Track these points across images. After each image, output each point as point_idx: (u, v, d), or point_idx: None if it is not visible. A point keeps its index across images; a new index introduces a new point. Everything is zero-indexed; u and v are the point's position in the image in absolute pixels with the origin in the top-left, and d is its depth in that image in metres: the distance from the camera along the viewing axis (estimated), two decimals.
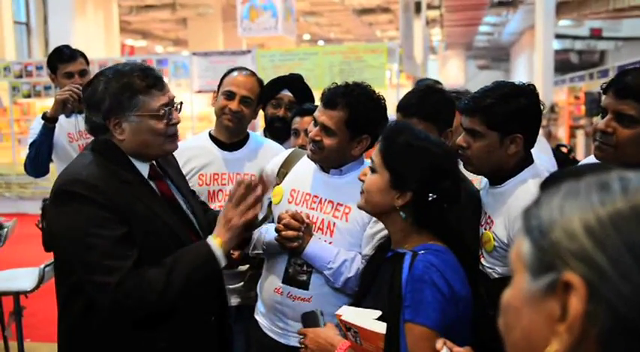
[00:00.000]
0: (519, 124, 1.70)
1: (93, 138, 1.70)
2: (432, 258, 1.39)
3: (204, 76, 8.32)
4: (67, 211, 1.52)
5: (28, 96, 8.83)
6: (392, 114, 2.05)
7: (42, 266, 3.21)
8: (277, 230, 1.87)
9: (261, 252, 2.02)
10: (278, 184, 2.05)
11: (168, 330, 1.62)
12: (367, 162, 1.69)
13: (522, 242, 0.59)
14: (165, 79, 1.72)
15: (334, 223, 1.91)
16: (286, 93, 2.76)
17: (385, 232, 1.61)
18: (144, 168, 1.68)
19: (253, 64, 7.80)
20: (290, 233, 1.85)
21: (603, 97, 1.69)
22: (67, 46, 3.25)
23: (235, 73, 2.44)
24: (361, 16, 18.42)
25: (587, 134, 9.88)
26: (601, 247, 0.53)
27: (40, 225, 3.21)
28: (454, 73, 27.03)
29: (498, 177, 1.78)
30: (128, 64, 1.65)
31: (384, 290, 1.45)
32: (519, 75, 22.40)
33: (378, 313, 1.42)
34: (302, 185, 1.99)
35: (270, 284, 1.97)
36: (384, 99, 1.93)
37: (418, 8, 15.64)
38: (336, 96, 1.85)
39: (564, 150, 2.65)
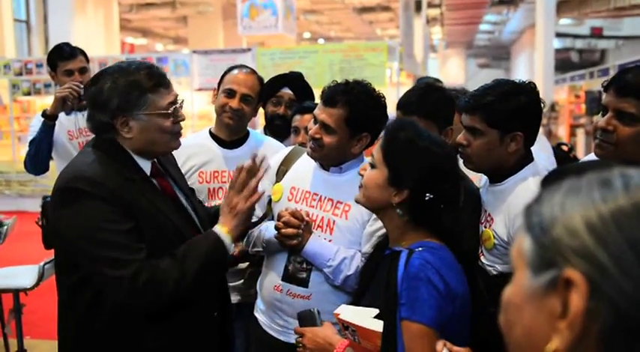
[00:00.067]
0: (519, 122, 1.70)
1: (92, 136, 1.70)
2: (427, 255, 1.38)
3: (204, 74, 8.32)
4: (73, 208, 1.52)
5: (28, 93, 8.83)
6: (392, 112, 2.05)
7: (42, 263, 3.21)
8: (277, 227, 1.87)
9: (260, 249, 2.02)
10: (278, 182, 2.05)
11: (172, 326, 1.63)
12: (367, 160, 1.69)
13: (523, 239, 0.59)
14: None
15: (334, 221, 1.91)
16: (286, 91, 2.76)
17: (385, 230, 1.61)
18: (146, 166, 1.68)
19: (253, 62, 7.79)
20: (290, 230, 1.85)
21: (604, 95, 1.69)
22: (67, 44, 3.25)
23: (236, 71, 2.44)
24: (361, 15, 18.42)
25: (588, 133, 9.88)
26: (602, 244, 0.52)
27: (40, 223, 3.21)
28: (454, 72, 27.04)
29: (498, 175, 1.78)
30: (133, 62, 1.66)
31: (381, 288, 1.45)
32: (520, 73, 22.37)
33: (376, 311, 1.41)
34: (302, 183, 1.99)
35: (270, 281, 1.97)
36: (383, 97, 1.92)
37: (419, 6, 15.64)
38: (335, 94, 1.85)
39: (565, 148, 2.65)
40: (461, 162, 1.72)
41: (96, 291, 1.57)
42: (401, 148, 1.47)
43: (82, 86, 3.02)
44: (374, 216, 1.76)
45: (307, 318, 1.62)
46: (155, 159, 1.74)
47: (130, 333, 1.60)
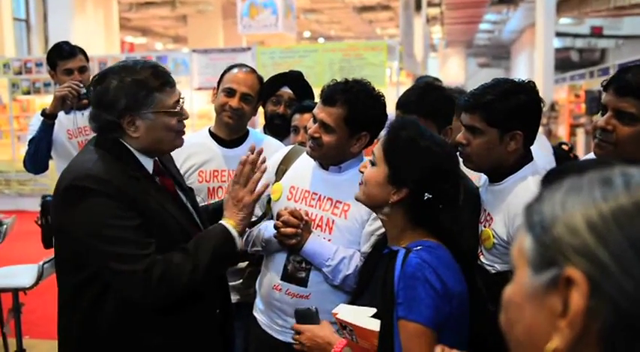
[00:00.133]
0: (519, 121, 1.70)
1: (92, 135, 1.70)
2: (424, 254, 1.38)
3: (204, 73, 8.32)
4: (80, 206, 1.53)
5: (28, 93, 8.83)
6: (391, 111, 2.05)
7: (41, 263, 3.21)
8: (276, 227, 1.87)
9: (260, 248, 2.02)
10: (277, 181, 2.05)
11: (175, 324, 1.63)
12: (366, 159, 1.68)
13: (524, 237, 0.59)
14: None
15: (333, 220, 1.90)
16: (286, 90, 2.75)
17: (383, 229, 1.61)
18: (149, 164, 1.69)
19: (253, 61, 7.79)
20: (289, 230, 1.85)
21: (603, 95, 1.69)
22: (67, 43, 3.25)
23: (235, 70, 2.44)
24: (361, 14, 18.41)
25: (588, 132, 9.88)
26: (603, 243, 0.52)
27: (40, 222, 3.21)
28: (454, 71, 27.04)
29: (498, 174, 1.78)
30: (137, 61, 1.67)
31: (379, 287, 1.45)
32: (520, 73, 22.38)
33: (373, 310, 1.41)
34: (301, 182, 1.99)
35: (269, 281, 1.97)
36: (383, 96, 1.92)
37: (418, 6, 15.64)
38: (335, 93, 1.85)
39: (565, 148, 2.65)
40: (460, 161, 1.71)
41: (101, 290, 1.57)
42: (402, 147, 1.46)
43: (81, 85, 3.02)
44: (373, 215, 1.76)
45: (305, 316, 1.62)
46: (156, 158, 1.75)
47: (133, 331, 1.60)
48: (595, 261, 0.52)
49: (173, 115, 1.64)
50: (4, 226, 3.57)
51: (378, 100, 1.89)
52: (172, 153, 1.87)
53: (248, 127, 2.53)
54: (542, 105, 1.75)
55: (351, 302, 1.55)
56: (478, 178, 1.97)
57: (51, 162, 3.17)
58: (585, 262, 0.53)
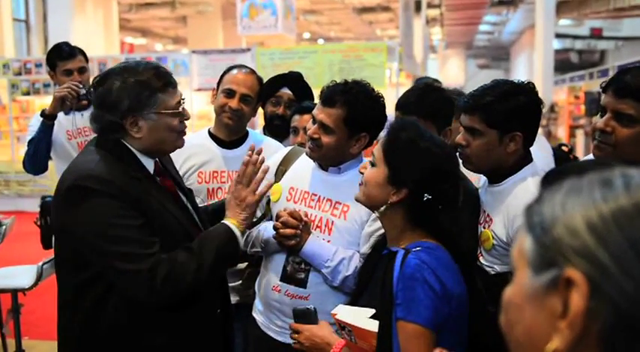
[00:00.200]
0: (519, 122, 1.70)
1: (91, 135, 1.71)
2: (423, 255, 1.38)
3: (203, 74, 8.31)
4: (83, 206, 1.53)
5: (27, 93, 8.83)
6: (391, 112, 2.05)
7: (40, 263, 3.21)
8: (275, 228, 1.87)
9: (259, 249, 2.02)
10: (277, 182, 2.05)
11: (176, 324, 1.63)
12: (365, 160, 1.69)
13: (524, 238, 0.59)
14: None
15: (332, 221, 1.90)
16: (286, 91, 2.75)
17: (383, 231, 1.61)
18: (150, 165, 1.69)
19: (253, 62, 7.79)
20: (288, 231, 1.85)
21: (603, 96, 1.69)
22: (67, 44, 3.25)
23: (235, 71, 2.44)
24: (361, 15, 18.42)
25: (587, 133, 9.88)
26: (603, 244, 0.52)
27: (39, 223, 3.21)
28: (454, 72, 27.04)
29: (497, 175, 1.78)
30: (139, 62, 1.67)
31: (378, 288, 1.45)
32: (519, 74, 22.39)
33: (372, 311, 1.41)
34: (301, 183, 1.99)
35: (268, 282, 1.97)
36: (382, 97, 1.92)
37: (418, 7, 15.66)
38: (334, 94, 1.85)
39: (565, 149, 2.65)
40: (460, 162, 1.71)
41: (103, 290, 1.57)
42: (402, 148, 1.47)
43: (81, 86, 3.02)
44: (372, 216, 1.76)
45: (304, 315, 1.62)
46: (157, 158, 1.75)
47: (135, 331, 1.60)
48: (595, 262, 0.52)
49: (175, 116, 1.65)
50: (4, 227, 3.57)
51: (378, 101, 1.89)
52: (172, 154, 1.87)
53: (247, 128, 2.53)
54: (541, 106, 1.75)
55: (351, 303, 1.55)
56: (477, 179, 1.97)
57: (50, 163, 3.17)
58: (585, 263, 0.53)
